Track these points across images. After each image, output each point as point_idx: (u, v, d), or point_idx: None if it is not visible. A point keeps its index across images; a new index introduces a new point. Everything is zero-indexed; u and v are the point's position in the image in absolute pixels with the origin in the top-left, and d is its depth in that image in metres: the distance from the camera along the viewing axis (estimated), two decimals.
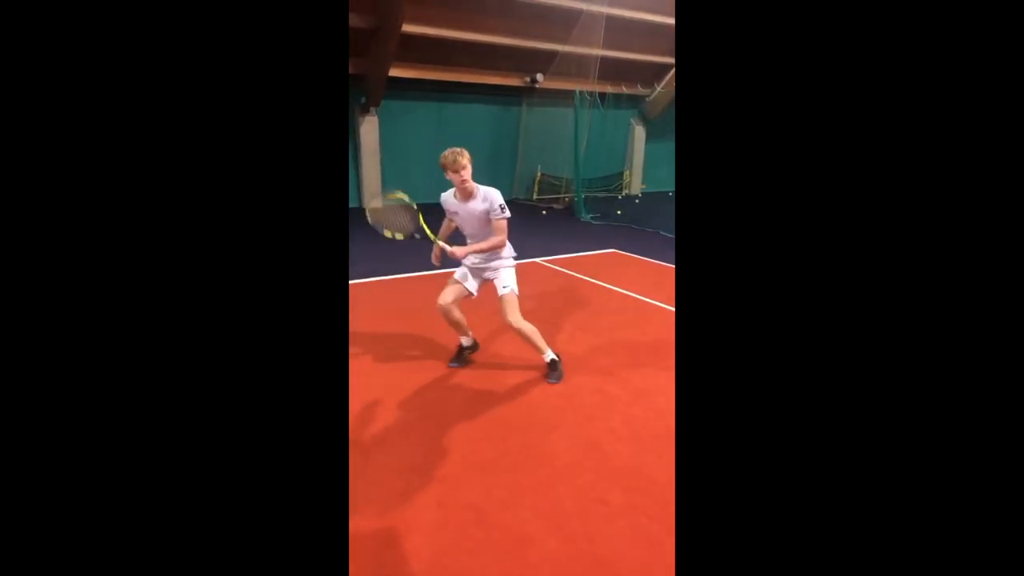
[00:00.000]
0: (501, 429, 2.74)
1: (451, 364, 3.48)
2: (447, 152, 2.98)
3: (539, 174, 11.78)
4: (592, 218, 9.28)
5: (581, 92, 9.49)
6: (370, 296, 4.95)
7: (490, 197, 3.10)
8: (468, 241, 3.24)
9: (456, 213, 3.19)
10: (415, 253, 5.91)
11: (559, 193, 11.35)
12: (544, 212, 10.04)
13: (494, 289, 3.26)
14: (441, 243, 3.18)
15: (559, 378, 3.31)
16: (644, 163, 13.80)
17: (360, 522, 2.05)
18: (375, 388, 3.14)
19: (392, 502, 2.17)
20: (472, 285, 3.29)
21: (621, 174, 13.37)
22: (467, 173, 2.99)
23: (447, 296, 3.26)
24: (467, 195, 3.11)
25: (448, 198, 3.20)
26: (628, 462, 2.46)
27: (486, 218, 3.13)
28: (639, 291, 5.11)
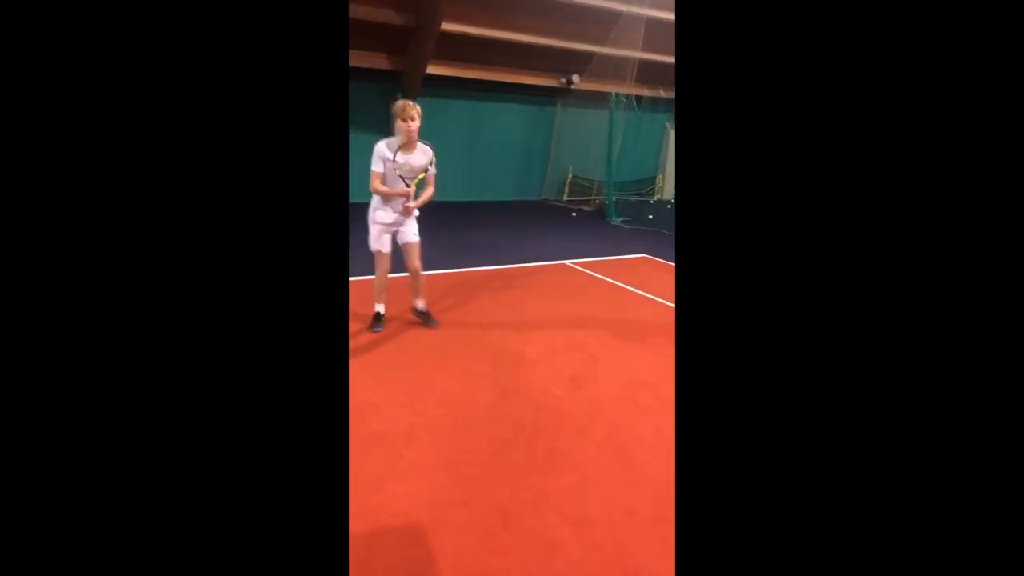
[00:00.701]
0: (528, 432, 2.72)
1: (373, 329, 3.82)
2: (399, 101, 3.35)
3: (570, 175, 11.72)
4: (623, 222, 9.19)
5: (617, 94, 9.40)
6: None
7: (429, 152, 3.51)
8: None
9: (395, 163, 3.41)
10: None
11: (590, 195, 11.28)
12: (574, 214, 9.98)
13: (412, 250, 3.73)
14: (411, 191, 3.51)
15: (436, 324, 3.90)
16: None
17: (388, 518, 2.06)
18: (397, 386, 3.15)
19: (419, 499, 2.18)
20: (388, 246, 3.67)
21: (654, 178, 13.23)
22: (415, 125, 3.33)
23: (384, 270, 3.70)
24: (411, 147, 3.44)
25: (390, 147, 3.42)
26: (658, 472, 2.42)
27: (419, 172, 3.50)
28: (670, 297, 5.03)
